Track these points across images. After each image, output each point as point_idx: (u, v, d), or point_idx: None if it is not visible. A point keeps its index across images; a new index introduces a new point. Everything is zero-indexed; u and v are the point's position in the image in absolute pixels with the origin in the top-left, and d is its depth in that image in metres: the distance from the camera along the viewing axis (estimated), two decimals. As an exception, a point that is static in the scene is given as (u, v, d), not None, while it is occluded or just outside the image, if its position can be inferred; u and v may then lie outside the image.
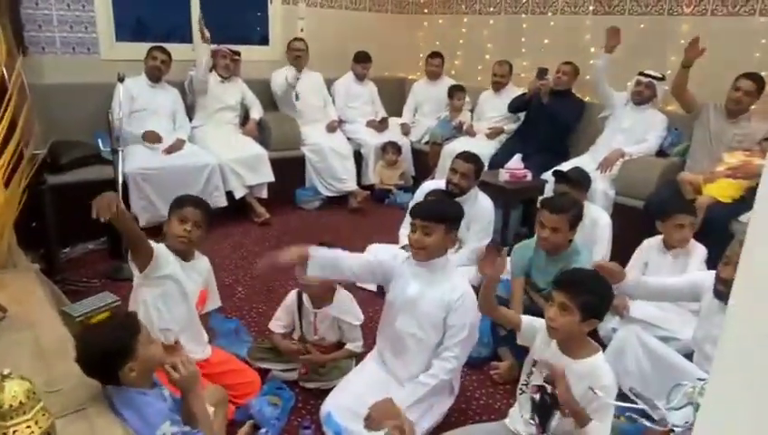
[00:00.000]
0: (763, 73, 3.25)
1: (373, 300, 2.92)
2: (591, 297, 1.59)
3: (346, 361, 2.23)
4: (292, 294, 2.27)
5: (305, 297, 2.22)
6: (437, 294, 1.88)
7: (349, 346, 2.24)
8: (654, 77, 3.71)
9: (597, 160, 3.74)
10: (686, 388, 1.42)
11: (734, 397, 0.59)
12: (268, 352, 2.26)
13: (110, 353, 1.37)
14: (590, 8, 4.28)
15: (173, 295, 1.96)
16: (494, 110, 4.62)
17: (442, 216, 1.90)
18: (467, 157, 2.94)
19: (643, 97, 3.72)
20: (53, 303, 2.04)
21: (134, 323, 1.48)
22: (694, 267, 2.44)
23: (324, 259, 1.92)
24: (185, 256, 2.04)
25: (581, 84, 4.27)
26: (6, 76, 2.07)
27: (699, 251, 2.54)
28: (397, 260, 2.03)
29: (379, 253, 2.79)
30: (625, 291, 2.03)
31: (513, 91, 4.52)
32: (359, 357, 2.24)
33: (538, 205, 2.50)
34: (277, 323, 2.26)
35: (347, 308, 2.23)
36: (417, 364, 1.93)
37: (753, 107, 3.26)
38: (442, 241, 1.88)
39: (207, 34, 3.97)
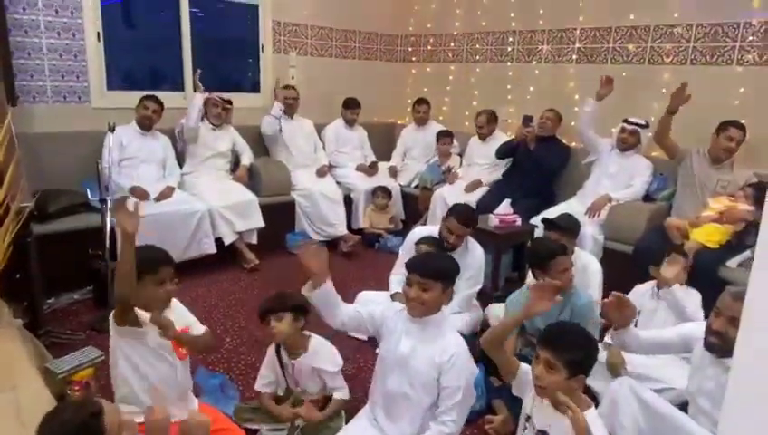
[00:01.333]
0: (742, 121, 3.34)
1: (363, 348, 2.88)
2: (577, 353, 1.58)
3: (337, 418, 2.16)
4: (271, 349, 2.22)
5: (283, 350, 2.18)
6: (429, 353, 1.85)
7: (336, 396, 2.18)
8: (638, 124, 3.79)
9: (585, 205, 3.78)
10: None
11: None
12: (255, 411, 2.20)
13: None
14: (574, 57, 4.41)
15: (152, 348, 1.89)
16: (481, 156, 4.68)
17: (440, 273, 1.88)
18: (463, 219, 2.90)
19: (628, 144, 3.80)
20: (35, 360, 1.99)
21: (97, 424, 1.31)
22: (691, 311, 2.43)
23: (329, 295, 1.94)
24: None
25: (566, 130, 4.36)
26: (-4, 130, 2.06)
27: (693, 295, 2.54)
28: (389, 312, 2.01)
29: (370, 303, 2.78)
30: (621, 341, 2.02)
31: (499, 138, 4.59)
32: (349, 413, 2.18)
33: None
34: (262, 382, 2.20)
35: (322, 356, 2.17)
36: (410, 425, 1.88)
37: (736, 153, 3.34)
38: (439, 298, 1.87)
39: (202, 88, 4.03)
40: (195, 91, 4.02)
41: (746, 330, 0.61)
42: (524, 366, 1.81)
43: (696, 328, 2.01)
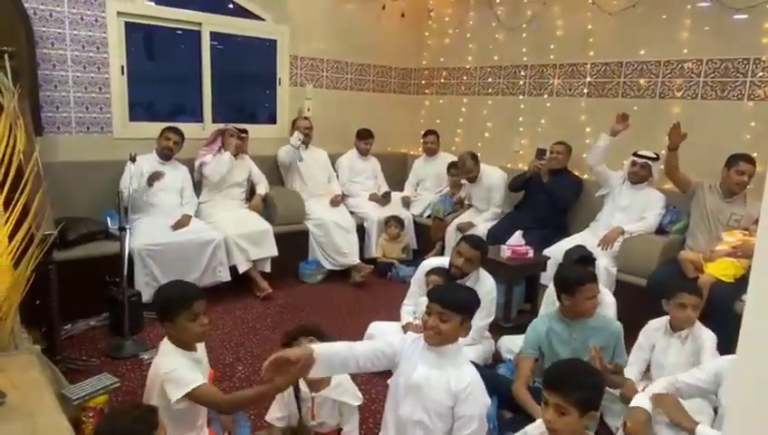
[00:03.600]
0: (754, 154, 3.35)
1: (373, 380, 2.88)
2: (585, 392, 1.57)
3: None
4: None
5: (302, 382, 2.18)
6: (444, 381, 1.85)
7: (345, 430, 2.17)
8: (648, 157, 3.81)
9: (597, 237, 3.79)
10: None
11: None
12: (268, 443, 2.20)
13: None
14: (585, 91, 4.47)
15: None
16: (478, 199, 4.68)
17: (461, 305, 1.90)
18: (474, 243, 2.96)
19: (639, 177, 3.82)
20: (53, 386, 2.02)
21: (153, 418, 1.47)
22: (707, 357, 2.40)
23: (330, 358, 1.83)
24: (192, 346, 2.01)
25: (578, 162, 4.39)
26: (24, 162, 2.14)
27: (708, 338, 2.48)
28: (405, 342, 2.02)
29: (384, 332, 2.79)
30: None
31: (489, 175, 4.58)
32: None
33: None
34: (274, 415, 2.20)
35: (345, 388, 2.17)
36: None
37: (748, 187, 3.34)
38: (456, 330, 1.88)
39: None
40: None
41: (743, 354, 0.64)
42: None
43: (726, 363, 2.00)
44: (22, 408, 1.68)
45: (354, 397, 2.18)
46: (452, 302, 1.89)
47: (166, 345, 1.97)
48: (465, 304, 1.93)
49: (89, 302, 3.34)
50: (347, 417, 2.17)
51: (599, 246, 3.62)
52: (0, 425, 1.59)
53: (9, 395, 1.70)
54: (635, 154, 3.86)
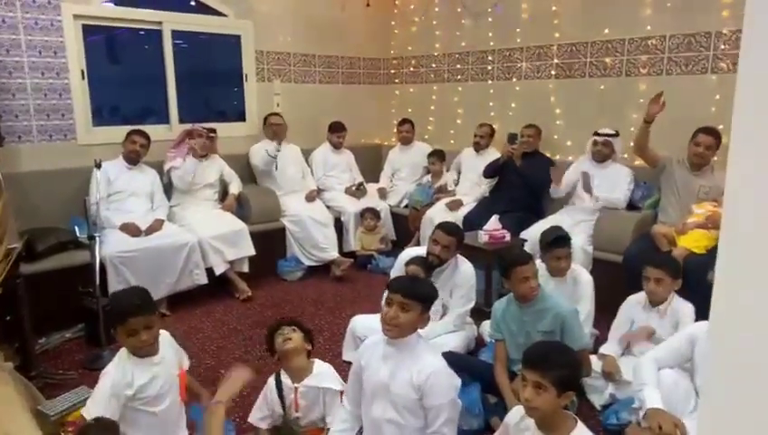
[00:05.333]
0: (720, 127, 3.41)
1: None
2: (564, 370, 1.59)
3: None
4: (271, 380, 2.22)
5: (284, 375, 2.18)
6: (407, 376, 1.85)
7: (329, 425, 2.16)
8: (608, 134, 3.88)
9: (573, 218, 3.84)
10: None
11: None
12: (253, 446, 2.18)
13: None
14: (552, 73, 4.50)
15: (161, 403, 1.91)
16: (473, 169, 4.71)
17: (420, 295, 1.90)
18: (449, 229, 2.96)
19: (603, 155, 3.90)
20: (28, 403, 1.97)
21: (115, 428, 1.44)
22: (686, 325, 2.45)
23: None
24: (148, 354, 1.97)
25: (548, 143, 4.44)
26: (-19, 174, 2.07)
27: (687, 310, 2.53)
28: (364, 348, 2.03)
29: (366, 326, 2.79)
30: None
31: (492, 153, 4.63)
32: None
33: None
34: (257, 416, 2.19)
35: (327, 375, 2.18)
36: None
37: (714, 159, 3.40)
38: (416, 320, 1.88)
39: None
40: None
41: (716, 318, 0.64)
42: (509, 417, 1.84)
43: (698, 326, 2.04)
44: (-5, 428, 1.63)
45: (336, 382, 2.18)
46: (414, 291, 1.89)
47: (121, 353, 1.96)
48: (425, 294, 1.94)
49: (63, 314, 3.26)
50: (329, 406, 2.16)
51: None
52: (-27, 447, 1.54)
53: (-19, 416, 1.65)
54: (595, 133, 3.93)
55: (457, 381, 1.91)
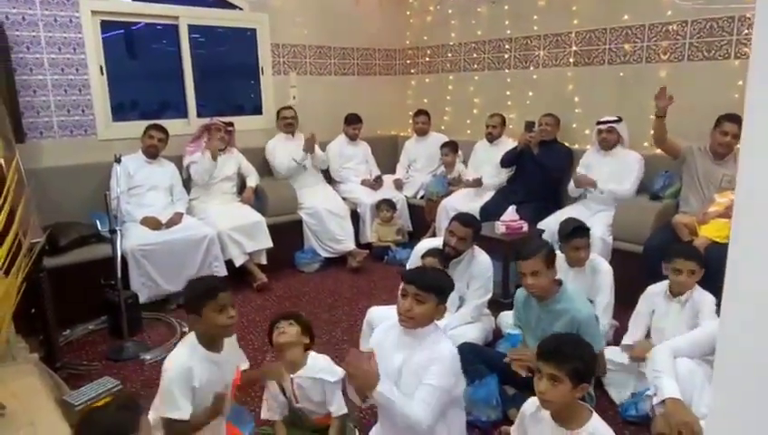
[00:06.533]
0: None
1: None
2: (579, 363, 1.58)
3: (350, 432, 2.16)
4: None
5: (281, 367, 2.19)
6: (420, 364, 1.85)
7: (332, 413, 2.16)
8: (611, 121, 3.84)
9: (592, 208, 3.80)
10: None
11: None
12: (270, 438, 2.20)
13: None
14: (571, 60, 4.43)
15: (205, 399, 1.90)
16: (489, 160, 4.68)
17: (436, 287, 1.87)
18: (465, 220, 2.94)
19: (609, 142, 3.86)
20: (53, 393, 2.01)
21: (136, 405, 1.47)
22: (707, 319, 2.40)
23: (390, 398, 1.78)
24: (218, 345, 1.95)
25: (567, 132, 4.38)
26: (5, 168, 2.11)
27: (708, 301, 2.47)
28: (380, 334, 2.02)
29: (383, 317, 2.79)
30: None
31: (506, 143, 4.60)
32: (362, 430, 2.18)
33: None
34: (266, 410, 2.21)
35: (321, 366, 2.15)
36: (414, 433, 1.88)
37: (737, 147, 3.32)
38: (432, 312, 1.86)
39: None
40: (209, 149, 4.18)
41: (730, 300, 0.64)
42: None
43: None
44: (22, 417, 1.68)
45: (330, 373, 2.14)
46: (428, 282, 1.87)
47: (189, 337, 1.93)
48: (440, 286, 1.91)
49: (86, 306, 3.32)
50: (329, 396, 2.14)
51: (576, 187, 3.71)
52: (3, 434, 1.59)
53: (9, 405, 1.69)
54: (598, 123, 3.90)
55: (462, 385, 1.87)
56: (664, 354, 1.98)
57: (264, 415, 2.23)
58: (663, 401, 1.79)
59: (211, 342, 1.92)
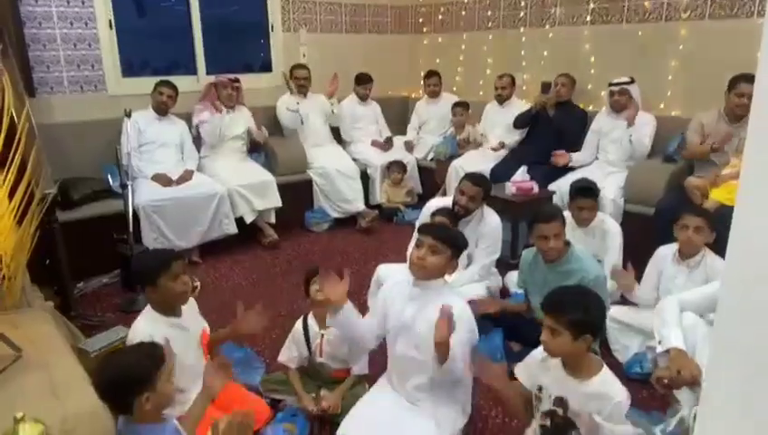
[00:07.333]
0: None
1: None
2: (578, 314, 1.58)
3: (360, 386, 2.22)
4: (299, 323, 2.28)
5: (311, 320, 2.23)
6: (432, 316, 1.87)
7: (354, 370, 2.23)
8: (623, 82, 3.77)
9: (604, 170, 3.76)
10: (682, 412, 1.40)
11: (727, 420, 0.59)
12: (281, 383, 2.26)
13: (131, 379, 1.40)
14: (588, 18, 4.30)
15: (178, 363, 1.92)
16: (499, 122, 4.62)
17: (451, 240, 1.90)
18: (476, 180, 2.92)
19: (621, 104, 3.80)
20: (68, 340, 2.06)
21: (160, 354, 1.50)
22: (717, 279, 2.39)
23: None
24: (176, 311, 1.97)
25: (582, 93, 4.29)
26: (16, 119, 2.12)
27: (720, 267, 2.42)
28: (391, 287, 2.03)
29: (392, 274, 2.81)
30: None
31: (516, 104, 4.54)
32: (371, 380, 2.22)
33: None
34: (287, 355, 2.27)
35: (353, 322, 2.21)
36: (422, 385, 1.93)
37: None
38: (444, 265, 1.87)
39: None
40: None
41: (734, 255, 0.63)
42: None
43: None
44: (38, 360, 1.72)
45: None
46: (443, 234, 1.90)
47: (147, 310, 1.95)
48: (456, 240, 1.93)
49: (100, 260, 3.38)
50: (355, 356, 2.20)
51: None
52: (19, 377, 1.64)
53: (25, 349, 1.74)
54: (610, 84, 3.82)
55: (475, 338, 1.91)
56: (671, 306, 1.97)
57: (281, 358, 2.28)
58: (667, 351, 1.79)
59: (169, 309, 1.94)
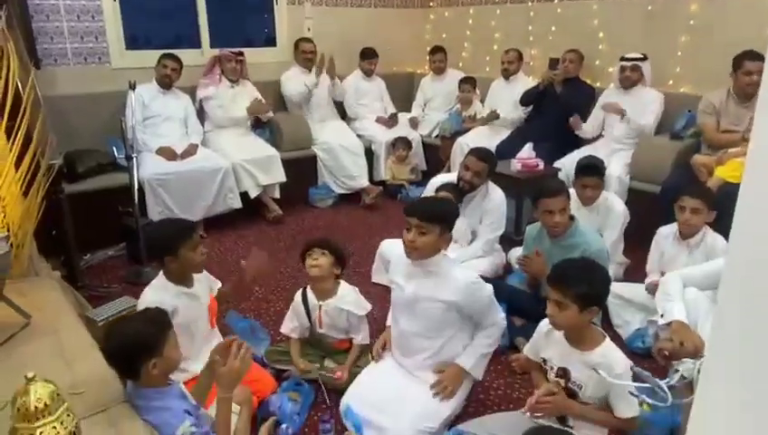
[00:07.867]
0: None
1: (387, 295, 2.93)
2: (584, 287, 1.60)
3: (364, 357, 2.25)
4: (298, 295, 2.31)
5: (310, 292, 2.26)
6: (434, 294, 1.89)
7: (356, 341, 2.27)
8: (636, 58, 3.71)
9: (610, 147, 3.74)
10: (686, 364, 1.43)
11: (729, 376, 0.60)
12: (285, 353, 2.30)
13: (138, 346, 1.42)
14: (597, -7, 4.23)
15: (188, 331, 1.94)
16: (505, 98, 4.57)
17: (438, 217, 1.87)
18: (481, 155, 2.91)
19: (631, 81, 3.75)
20: (76, 308, 2.09)
21: (165, 320, 1.53)
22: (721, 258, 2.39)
23: None
24: (190, 280, 2.01)
25: (590, 69, 4.25)
26: (21, 89, 2.11)
27: (721, 245, 2.43)
28: (393, 265, 2.06)
29: (395, 250, 2.82)
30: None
31: (523, 80, 4.49)
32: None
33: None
34: (289, 326, 2.30)
35: (351, 299, 2.25)
36: (425, 360, 1.97)
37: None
38: (436, 242, 1.87)
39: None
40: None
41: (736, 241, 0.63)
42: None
43: None
44: (47, 327, 1.75)
45: (359, 307, 2.25)
46: (428, 213, 1.87)
47: (158, 279, 1.97)
48: (442, 215, 1.90)
49: (106, 232, 3.39)
50: (356, 326, 2.25)
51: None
52: (29, 343, 1.66)
53: (34, 316, 1.77)
54: (622, 59, 3.77)
55: (490, 288, 1.95)
56: (675, 281, 1.98)
57: (283, 329, 2.32)
58: (668, 324, 1.81)
59: (183, 278, 1.97)
